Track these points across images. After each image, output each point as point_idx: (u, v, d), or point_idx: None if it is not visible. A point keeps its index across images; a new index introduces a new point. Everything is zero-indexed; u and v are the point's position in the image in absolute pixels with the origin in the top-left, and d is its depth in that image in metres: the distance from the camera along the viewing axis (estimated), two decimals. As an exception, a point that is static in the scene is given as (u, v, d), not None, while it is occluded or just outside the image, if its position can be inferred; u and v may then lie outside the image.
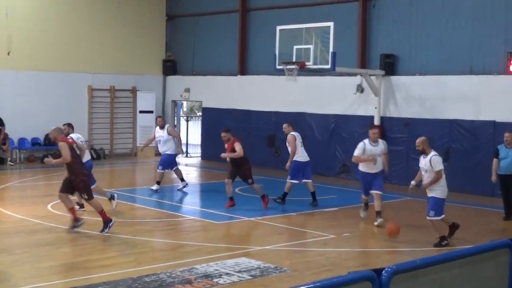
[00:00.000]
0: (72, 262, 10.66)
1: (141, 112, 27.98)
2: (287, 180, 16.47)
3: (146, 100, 28.02)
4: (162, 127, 18.79)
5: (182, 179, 18.91)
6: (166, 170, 18.85)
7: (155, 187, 18.54)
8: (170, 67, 29.01)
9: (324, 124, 22.79)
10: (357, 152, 14.08)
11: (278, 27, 20.47)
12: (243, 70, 26.06)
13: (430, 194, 12.42)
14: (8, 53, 24.81)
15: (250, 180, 16.00)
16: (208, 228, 14.01)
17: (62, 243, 11.98)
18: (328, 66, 19.02)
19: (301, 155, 16.45)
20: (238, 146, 15.80)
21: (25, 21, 25.31)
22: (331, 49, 18.85)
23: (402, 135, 20.81)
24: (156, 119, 20.65)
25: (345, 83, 22.29)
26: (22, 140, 25.43)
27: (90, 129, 27.14)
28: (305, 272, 10.24)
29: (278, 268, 10.37)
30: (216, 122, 26.14)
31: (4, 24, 24.66)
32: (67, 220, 13.49)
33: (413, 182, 12.79)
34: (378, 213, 13.98)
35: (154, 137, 19.38)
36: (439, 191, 12.34)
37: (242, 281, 9.66)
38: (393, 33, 21.56)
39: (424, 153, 12.46)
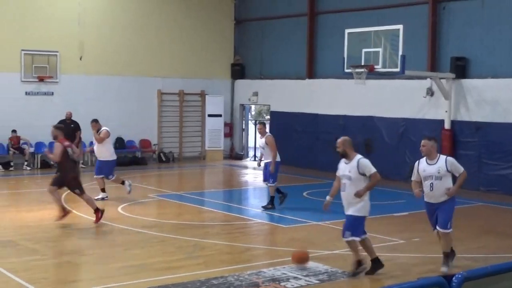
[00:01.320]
0: (142, 263, 10.79)
1: (209, 115, 28.20)
2: (270, 184, 16.13)
3: (214, 104, 28.22)
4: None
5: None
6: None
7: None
8: (239, 71, 29.15)
9: (393, 127, 22.51)
10: (412, 176, 10.82)
11: (347, 30, 20.34)
12: (311, 73, 25.98)
13: (348, 212, 10.05)
14: (81, 58, 25.36)
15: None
16: (276, 231, 13.99)
17: (132, 245, 12.14)
18: (397, 69, 18.80)
19: (278, 156, 16.17)
20: None
21: (97, 27, 25.82)
22: (400, 52, 18.63)
23: (473, 139, 20.39)
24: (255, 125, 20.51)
25: (414, 86, 21.98)
26: (92, 144, 25.90)
27: (159, 133, 27.51)
28: (373, 277, 10.11)
29: (346, 272, 10.27)
30: (284, 125, 26.16)
31: (77, 30, 25.21)
32: (137, 222, 13.68)
33: (328, 198, 10.36)
34: (445, 256, 10.57)
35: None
36: (359, 205, 9.97)
37: (310, 285, 9.60)
38: (464, 35, 21.15)
39: (346, 156, 10.23)
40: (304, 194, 18.27)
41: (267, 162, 16.18)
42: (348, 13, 24.45)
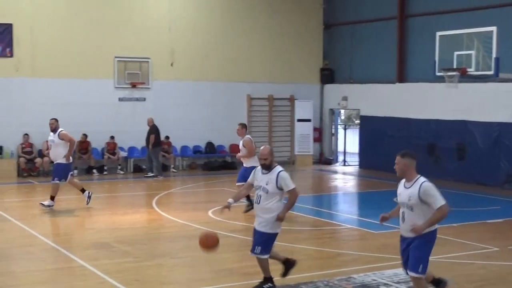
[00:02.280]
0: (231, 267, 10.85)
1: (299, 120, 28.20)
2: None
3: (303, 109, 28.20)
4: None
5: None
6: None
7: None
8: (328, 76, 29.04)
9: (487, 132, 21.91)
10: None
11: (438, 33, 19.99)
12: (402, 77, 25.60)
13: (260, 228, 9.26)
14: (172, 64, 25.80)
15: None
16: (366, 237, 13.83)
17: (222, 249, 12.19)
18: (491, 72, 18.37)
19: (256, 161, 15.05)
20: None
21: (187, 34, 26.23)
22: (494, 55, 18.19)
23: None
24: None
25: (509, 89, 21.33)
26: (184, 148, 26.33)
27: (248, 138, 27.67)
28: (466, 286, 9.86)
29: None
30: (375, 130, 25.89)
31: (168, 37, 25.67)
32: (227, 226, 13.78)
33: (230, 200, 9.52)
34: None
35: None
36: (271, 219, 9.16)
37: (401, 293, 9.45)
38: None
39: (269, 167, 9.36)
40: (395, 199, 18.04)
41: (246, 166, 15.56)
42: (439, 15, 23.97)
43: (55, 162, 16.67)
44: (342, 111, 30.94)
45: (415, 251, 7.93)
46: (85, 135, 24.24)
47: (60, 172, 16.51)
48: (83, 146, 24.32)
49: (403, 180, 8.25)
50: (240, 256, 11.74)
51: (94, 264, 10.78)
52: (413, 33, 25.39)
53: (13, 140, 23.58)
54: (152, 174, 23.47)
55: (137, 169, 24.83)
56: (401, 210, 8.14)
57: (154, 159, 23.58)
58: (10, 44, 23.59)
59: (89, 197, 16.83)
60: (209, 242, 9.19)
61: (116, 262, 11.14)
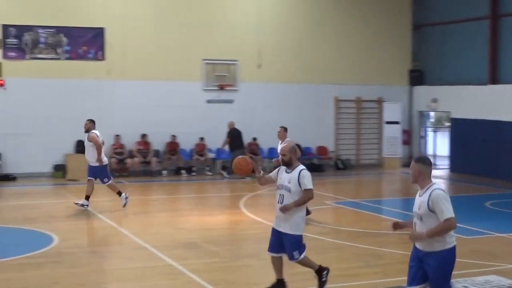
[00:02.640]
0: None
1: (387, 123, 27.85)
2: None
3: (392, 111, 27.83)
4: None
5: None
6: None
7: None
8: (417, 77, 28.56)
9: None
10: None
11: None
12: (494, 79, 24.92)
13: (285, 230, 9.10)
14: (259, 66, 25.92)
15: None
16: (457, 242, 13.48)
17: (309, 251, 12.15)
18: None
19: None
20: None
21: (274, 36, 26.30)
22: None
23: None
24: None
25: None
26: (271, 150, 26.36)
27: (336, 140, 27.53)
28: None
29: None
30: (465, 133, 25.30)
31: (255, 39, 25.80)
32: (314, 228, 13.71)
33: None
34: None
35: None
36: (295, 222, 9.04)
37: (493, 299, 9.17)
38: None
39: (289, 165, 9.16)
40: (487, 204, 17.53)
41: None
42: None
43: (89, 164, 16.57)
44: (432, 113, 30.36)
45: (432, 270, 7.20)
46: (174, 136, 24.64)
47: (96, 173, 16.46)
48: (172, 147, 24.70)
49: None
50: (326, 258, 11.63)
51: (182, 263, 10.91)
52: (506, 33, 24.69)
53: (105, 141, 24.11)
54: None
55: (225, 170, 25.06)
56: (414, 219, 7.46)
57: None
58: (102, 47, 24.21)
59: (82, 205, 16.32)
60: (243, 167, 9.17)
61: (204, 262, 11.25)
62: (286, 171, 9.12)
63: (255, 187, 21.94)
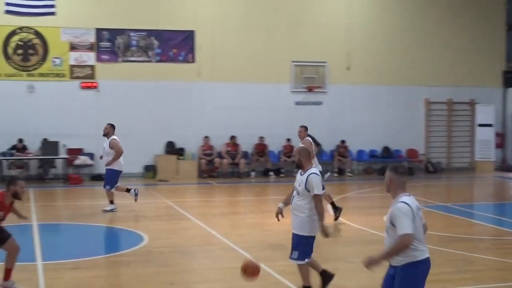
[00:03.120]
0: (407, 274, 10.59)
1: (480, 125, 27.19)
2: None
3: (485, 113, 27.18)
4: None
5: None
6: None
7: None
8: (511, 79, 27.75)
9: None
10: None
11: None
12: None
13: (294, 230, 9.00)
14: (348, 68, 25.73)
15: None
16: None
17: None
18: None
19: (317, 163, 14.28)
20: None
21: (364, 38, 26.10)
22: None
23: None
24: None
25: None
26: (360, 152, 26.17)
27: (426, 142, 27.07)
28: None
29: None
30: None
31: (344, 40, 25.65)
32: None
33: (280, 205, 9.36)
34: None
35: None
36: (301, 222, 8.87)
37: None
38: None
39: (301, 167, 9.01)
40: None
41: None
42: None
43: (106, 169, 16.74)
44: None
45: (399, 284, 6.71)
46: (262, 138, 24.74)
47: (112, 180, 16.62)
48: (260, 148, 24.82)
49: None
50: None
51: (270, 264, 10.91)
52: None
53: (194, 142, 24.50)
54: None
55: (313, 173, 24.98)
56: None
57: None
58: (192, 50, 24.56)
59: (136, 194, 16.82)
60: (251, 272, 8.52)
61: (291, 263, 11.21)
62: (300, 173, 9.05)
63: (343, 189, 21.81)
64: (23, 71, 23.51)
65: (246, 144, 24.94)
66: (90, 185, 21.93)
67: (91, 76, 23.96)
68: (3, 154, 22.68)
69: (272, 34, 25.27)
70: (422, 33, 26.89)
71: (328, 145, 25.71)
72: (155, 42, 24.47)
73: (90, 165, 23.53)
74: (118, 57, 24.17)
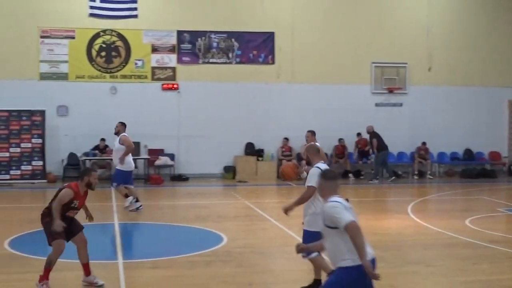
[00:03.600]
0: (488, 279, 10.35)
1: None
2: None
3: None
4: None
5: None
6: None
7: None
8: None
9: None
10: None
11: None
12: None
13: (304, 226, 9.29)
14: (429, 69, 25.34)
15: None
16: None
17: (479, 259, 11.73)
18: None
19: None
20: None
21: (445, 38, 25.68)
22: None
23: None
24: None
25: None
26: (441, 155, 25.73)
27: (510, 145, 26.38)
28: None
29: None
30: None
31: (425, 41, 25.27)
32: (485, 236, 13.20)
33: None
34: None
35: None
36: (311, 218, 9.01)
37: None
38: None
39: (310, 164, 9.41)
40: None
41: None
42: None
43: (116, 168, 16.64)
44: None
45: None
46: (341, 140, 24.61)
47: (120, 178, 16.48)
48: (340, 150, 24.68)
49: None
50: (498, 268, 11.17)
51: (347, 267, 10.83)
52: None
53: (274, 144, 24.56)
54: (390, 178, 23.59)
55: (394, 175, 24.69)
56: None
57: (382, 163, 23.48)
58: (272, 51, 24.63)
59: (131, 202, 16.31)
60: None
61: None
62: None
63: (424, 192, 21.49)
64: (106, 73, 24.07)
65: (326, 145, 24.82)
66: (170, 185, 22.26)
67: (172, 77, 24.32)
68: (86, 154, 23.26)
69: (352, 35, 25.11)
70: (507, 32, 26.21)
71: (408, 147, 25.39)
72: (235, 44, 24.65)
73: (171, 166, 23.89)
74: (198, 58, 24.47)
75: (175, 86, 24.28)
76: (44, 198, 19.57)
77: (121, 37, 24.13)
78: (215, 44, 24.60)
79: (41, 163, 23.01)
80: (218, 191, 21.93)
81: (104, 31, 24.01)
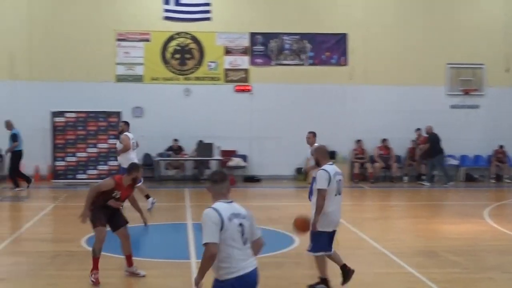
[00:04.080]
0: None
1: None
2: None
3: None
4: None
5: None
6: None
7: None
8: None
9: None
10: None
11: None
12: None
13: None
14: (507, 70, 24.78)
15: None
16: None
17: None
18: None
19: None
20: None
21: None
22: None
23: None
24: None
25: None
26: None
27: None
28: None
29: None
30: None
31: (503, 41, 24.80)
32: None
33: None
34: None
35: None
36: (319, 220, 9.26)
37: None
38: None
39: (319, 165, 9.71)
40: None
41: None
42: None
43: (121, 166, 16.44)
44: None
45: None
46: (414, 142, 24.27)
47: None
48: (413, 152, 24.34)
49: None
50: None
51: (421, 271, 10.68)
52: None
53: (346, 145, 24.40)
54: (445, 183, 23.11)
55: (469, 178, 24.22)
56: None
57: (439, 167, 23.01)
58: (344, 53, 24.50)
59: (152, 203, 15.75)
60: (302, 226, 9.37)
61: (444, 271, 10.92)
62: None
63: (501, 196, 21.00)
64: (180, 75, 24.37)
65: (399, 148, 24.54)
66: (243, 186, 22.36)
67: (245, 79, 24.44)
68: (161, 155, 23.58)
69: (426, 36, 24.73)
70: None
71: (485, 150, 24.85)
72: (308, 46, 24.61)
73: (243, 167, 24.00)
74: (271, 60, 24.52)
75: (248, 87, 24.39)
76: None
77: (195, 39, 24.38)
78: (287, 46, 24.60)
79: (116, 163, 23.40)
80: (290, 193, 21.91)
81: (178, 33, 24.31)
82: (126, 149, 16.65)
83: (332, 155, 24.37)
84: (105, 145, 23.21)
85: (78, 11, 23.89)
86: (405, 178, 24.05)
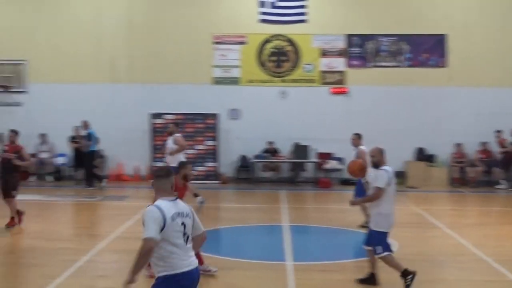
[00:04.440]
0: None
1: None
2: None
3: None
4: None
5: None
6: None
7: None
8: None
9: None
10: None
11: None
12: None
13: (371, 226, 9.82)
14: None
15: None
16: None
17: None
18: None
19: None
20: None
21: None
22: None
23: None
24: None
25: None
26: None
27: None
28: None
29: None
30: None
31: None
32: None
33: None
34: None
35: None
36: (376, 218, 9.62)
37: None
38: None
39: (377, 166, 9.85)
40: None
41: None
42: None
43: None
44: None
45: None
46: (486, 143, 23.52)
47: None
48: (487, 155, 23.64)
49: None
50: None
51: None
52: None
53: (445, 149, 23.85)
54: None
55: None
56: None
57: None
58: (443, 54, 23.97)
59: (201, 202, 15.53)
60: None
61: None
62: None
63: None
64: (276, 77, 24.41)
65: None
66: (338, 189, 22.18)
67: (341, 81, 24.26)
68: (257, 156, 23.68)
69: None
70: None
71: None
72: (405, 47, 24.20)
73: (339, 170, 23.81)
74: (367, 62, 24.25)
75: (344, 90, 24.19)
76: (217, 198, 20.23)
77: (290, 41, 24.38)
78: (384, 47, 24.28)
79: (214, 164, 23.74)
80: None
81: (274, 36, 24.37)
82: (181, 149, 16.94)
83: (430, 159, 23.90)
84: (202, 147, 23.52)
85: (175, 15, 24.30)
86: (503, 182, 23.19)
